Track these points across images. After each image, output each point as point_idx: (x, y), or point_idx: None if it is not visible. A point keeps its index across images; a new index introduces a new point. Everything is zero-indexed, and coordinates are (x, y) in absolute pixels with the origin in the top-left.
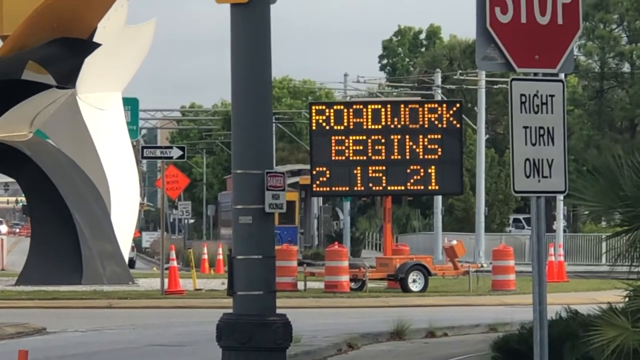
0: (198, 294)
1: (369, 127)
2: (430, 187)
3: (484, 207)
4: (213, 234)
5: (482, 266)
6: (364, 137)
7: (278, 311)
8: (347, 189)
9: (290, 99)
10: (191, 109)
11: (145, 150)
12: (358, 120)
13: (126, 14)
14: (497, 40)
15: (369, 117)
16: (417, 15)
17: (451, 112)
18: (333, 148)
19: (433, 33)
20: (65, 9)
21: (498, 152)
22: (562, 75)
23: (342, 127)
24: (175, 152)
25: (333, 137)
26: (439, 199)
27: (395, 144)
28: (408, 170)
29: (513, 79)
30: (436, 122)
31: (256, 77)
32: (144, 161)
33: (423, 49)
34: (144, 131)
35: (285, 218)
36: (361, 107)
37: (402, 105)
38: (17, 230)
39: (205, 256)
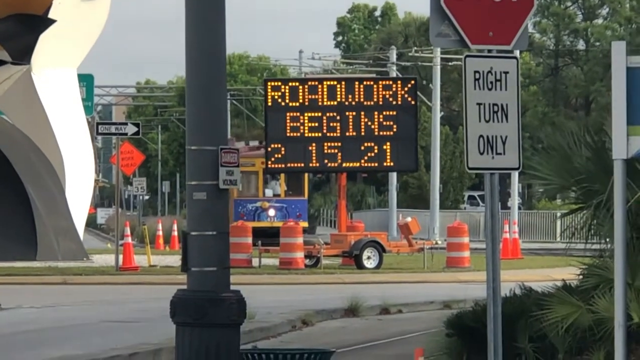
0: (153, 270)
1: (324, 103)
2: (385, 164)
3: (438, 184)
4: (168, 210)
5: (436, 243)
6: (319, 114)
7: (232, 287)
8: (302, 165)
9: (246, 76)
10: (146, 85)
11: (100, 126)
12: (313, 96)
13: None
14: (451, 16)
15: (324, 93)
16: None
17: (406, 89)
18: (288, 124)
19: (388, 10)
20: None
21: (453, 130)
22: (516, 52)
23: (298, 104)
24: (130, 129)
25: (288, 114)
26: (393, 176)
27: (350, 120)
28: (363, 147)
29: (467, 56)
30: (391, 99)
31: (210, 53)
32: (99, 137)
33: (378, 26)
34: (99, 107)
35: (293, 189)
36: (316, 83)
37: (357, 82)
38: None
39: (160, 232)
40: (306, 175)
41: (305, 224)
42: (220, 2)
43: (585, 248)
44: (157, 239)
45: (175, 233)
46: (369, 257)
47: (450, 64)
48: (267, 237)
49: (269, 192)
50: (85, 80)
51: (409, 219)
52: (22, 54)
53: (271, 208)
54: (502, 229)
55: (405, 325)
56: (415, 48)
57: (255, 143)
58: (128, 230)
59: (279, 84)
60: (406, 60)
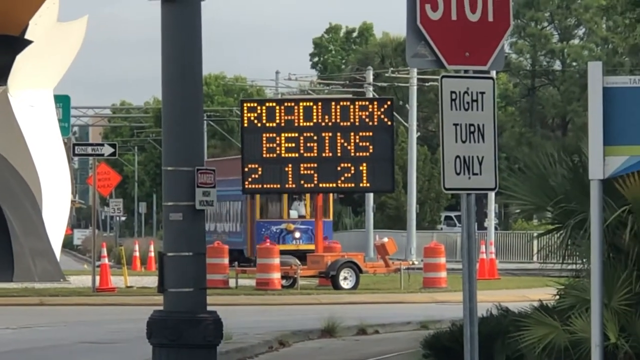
0: (129, 291)
1: (301, 124)
2: (361, 185)
3: (415, 205)
4: (145, 231)
5: (413, 264)
6: (296, 135)
7: (209, 308)
8: (279, 186)
9: (222, 97)
10: (123, 106)
11: (76, 147)
12: (290, 117)
13: (58, 11)
14: (428, 37)
15: (301, 114)
16: (349, 12)
17: (382, 109)
18: (264, 145)
19: (365, 30)
20: None
21: (430, 150)
22: (493, 73)
23: (274, 124)
24: (107, 149)
25: (264, 134)
26: (370, 197)
27: (327, 141)
28: (339, 168)
29: (443, 76)
30: (367, 120)
31: (187, 75)
32: (76, 158)
33: (355, 47)
34: (75, 128)
35: (305, 209)
36: (293, 104)
37: (334, 103)
38: None
39: (137, 253)
40: (331, 195)
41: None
42: (196, 23)
43: (562, 268)
44: (134, 260)
45: (152, 254)
46: (345, 278)
47: (426, 84)
48: None
49: (293, 214)
50: (62, 101)
51: (385, 240)
52: None
53: (297, 230)
54: (479, 249)
55: (383, 346)
56: (392, 69)
57: None
58: (105, 251)
59: (255, 104)
60: (383, 80)
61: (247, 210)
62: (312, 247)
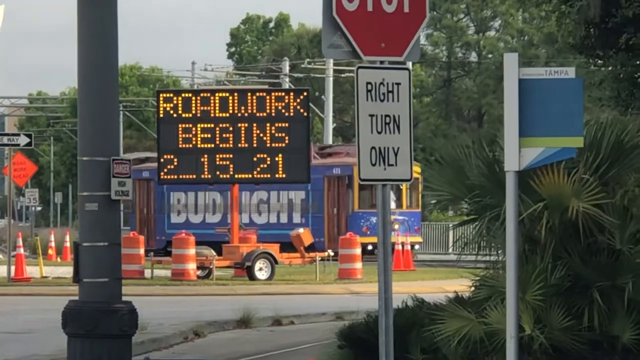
0: (45, 281)
1: (217, 115)
2: (277, 176)
3: None
4: (60, 221)
5: (328, 255)
6: (212, 125)
7: (125, 299)
8: (194, 176)
9: (138, 87)
10: (39, 97)
11: None
12: (206, 108)
13: None
14: (344, 28)
15: (217, 105)
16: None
17: (298, 100)
18: (180, 136)
19: (282, 21)
20: None
21: (346, 141)
22: (408, 64)
23: (190, 115)
24: (23, 139)
25: (180, 125)
26: None
27: (243, 132)
28: (255, 159)
29: (359, 67)
30: (283, 111)
31: (102, 65)
32: None
33: (271, 38)
34: None
35: (402, 199)
36: (209, 95)
37: (250, 94)
38: None
39: (53, 244)
40: (420, 183)
41: (420, 239)
42: (112, 14)
43: (477, 260)
44: (50, 250)
45: (68, 244)
46: (261, 269)
47: (342, 75)
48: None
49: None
50: None
51: (301, 230)
52: None
53: (395, 222)
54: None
55: (298, 337)
56: (308, 60)
57: None
58: (20, 242)
59: (171, 95)
60: (299, 71)
61: (324, 200)
62: (417, 239)
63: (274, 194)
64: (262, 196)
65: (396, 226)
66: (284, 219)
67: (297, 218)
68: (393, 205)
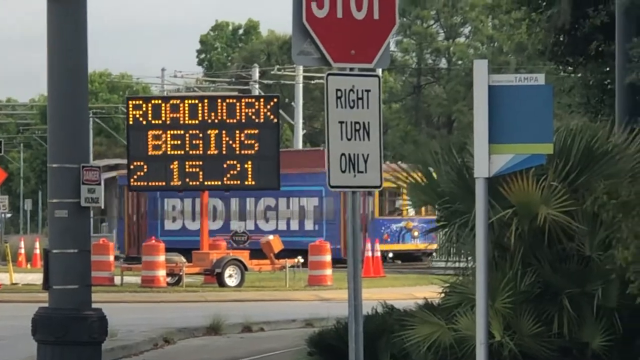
0: (15, 288)
1: (186, 122)
2: (246, 182)
3: None
4: (30, 228)
5: (298, 261)
6: (182, 132)
7: (94, 305)
8: (164, 183)
9: (107, 94)
10: (8, 103)
11: None
12: (175, 115)
13: None
14: (314, 34)
15: (186, 112)
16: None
17: (268, 107)
18: (150, 143)
19: (252, 28)
20: None
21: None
22: (378, 71)
23: (160, 122)
24: None
25: (150, 132)
26: None
27: (212, 138)
28: (225, 165)
29: (329, 74)
30: (253, 117)
31: (72, 72)
32: None
33: (241, 44)
34: None
35: None
36: (178, 102)
37: (220, 100)
38: None
39: (22, 250)
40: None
41: (436, 246)
42: (81, 20)
43: (447, 266)
44: (19, 257)
45: (38, 251)
46: (231, 275)
47: (312, 82)
48: (410, 260)
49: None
50: None
51: (271, 237)
52: None
53: (415, 229)
54: (365, 247)
55: (268, 343)
56: (278, 66)
57: None
58: None
59: (141, 102)
60: (269, 78)
61: (340, 207)
62: (434, 246)
63: (283, 201)
64: (270, 202)
65: (415, 233)
66: (294, 226)
67: (309, 225)
68: (412, 212)
